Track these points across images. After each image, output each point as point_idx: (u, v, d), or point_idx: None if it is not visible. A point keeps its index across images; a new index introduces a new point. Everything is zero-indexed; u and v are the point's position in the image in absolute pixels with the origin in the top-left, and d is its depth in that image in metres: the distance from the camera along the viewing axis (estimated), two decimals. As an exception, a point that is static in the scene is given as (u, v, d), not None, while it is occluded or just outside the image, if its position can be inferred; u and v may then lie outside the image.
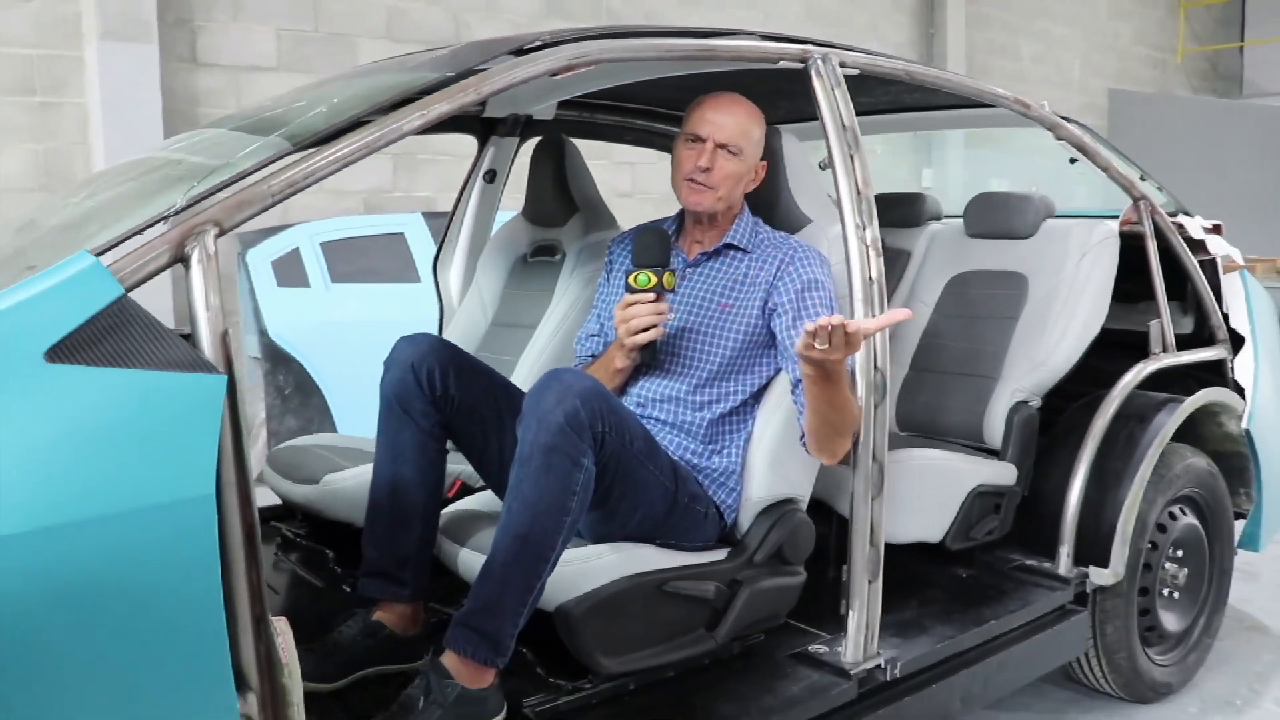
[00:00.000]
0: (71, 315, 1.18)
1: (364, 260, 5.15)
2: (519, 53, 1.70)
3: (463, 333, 2.91)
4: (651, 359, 2.12)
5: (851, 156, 2.07)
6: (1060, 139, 2.75)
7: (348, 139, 1.47)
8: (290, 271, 4.91)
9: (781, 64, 2.09)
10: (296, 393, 4.87)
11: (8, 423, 1.12)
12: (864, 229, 2.04)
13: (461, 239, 3.14)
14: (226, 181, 1.36)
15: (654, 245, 2.09)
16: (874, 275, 2.02)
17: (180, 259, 1.30)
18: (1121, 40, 12.32)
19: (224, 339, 1.28)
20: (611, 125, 3.14)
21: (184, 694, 1.21)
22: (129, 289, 1.24)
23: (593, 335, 2.34)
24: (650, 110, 3.10)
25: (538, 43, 1.73)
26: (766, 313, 2.11)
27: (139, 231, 1.30)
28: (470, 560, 1.97)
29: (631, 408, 2.13)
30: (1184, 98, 12.68)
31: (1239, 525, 3.13)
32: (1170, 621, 2.84)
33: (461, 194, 3.12)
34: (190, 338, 1.28)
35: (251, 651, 1.30)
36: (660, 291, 2.05)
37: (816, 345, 1.70)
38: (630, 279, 2.06)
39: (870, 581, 2.03)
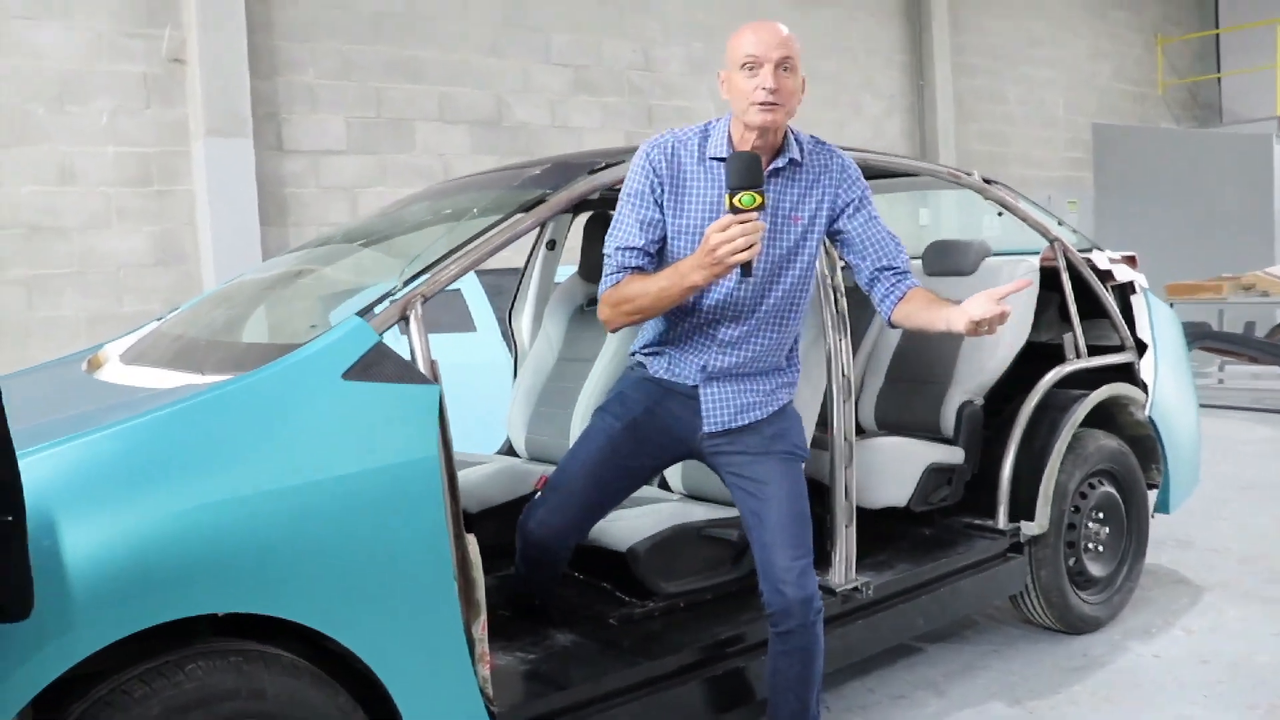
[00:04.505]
0: (353, 352, 2.04)
1: (428, 315, 5.90)
2: (592, 171, 2.57)
3: (536, 367, 3.75)
4: (749, 274, 2.23)
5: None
6: (988, 199, 3.60)
7: (490, 236, 2.33)
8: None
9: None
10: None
11: (327, 416, 1.98)
12: (829, 278, 2.88)
13: (530, 294, 4.01)
14: (425, 268, 2.23)
15: (753, 166, 2.14)
16: (838, 311, 2.87)
17: (403, 318, 2.16)
18: (1101, 78, 13.18)
19: (433, 365, 2.13)
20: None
21: (430, 574, 2.05)
22: (380, 335, 2.10)
23: (635, 248, 2.36)
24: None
25: (602, 164, 2.59)
26: (831, 215, 2.44)
27: (376, 304, 2.16)
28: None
29: (716, 349, 2.44)
30: (1164, 129, 13.48)
31: (1154, 495, 3.94)
32: (1096, 569, 3.65)
33: (529, 260, 4.00)
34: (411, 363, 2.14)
35: (454, 554, 2.13)
36: (760, 210, 2.14)
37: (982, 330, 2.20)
38: (735, 200, 2.11)
39: (846, 526, 2.86)
